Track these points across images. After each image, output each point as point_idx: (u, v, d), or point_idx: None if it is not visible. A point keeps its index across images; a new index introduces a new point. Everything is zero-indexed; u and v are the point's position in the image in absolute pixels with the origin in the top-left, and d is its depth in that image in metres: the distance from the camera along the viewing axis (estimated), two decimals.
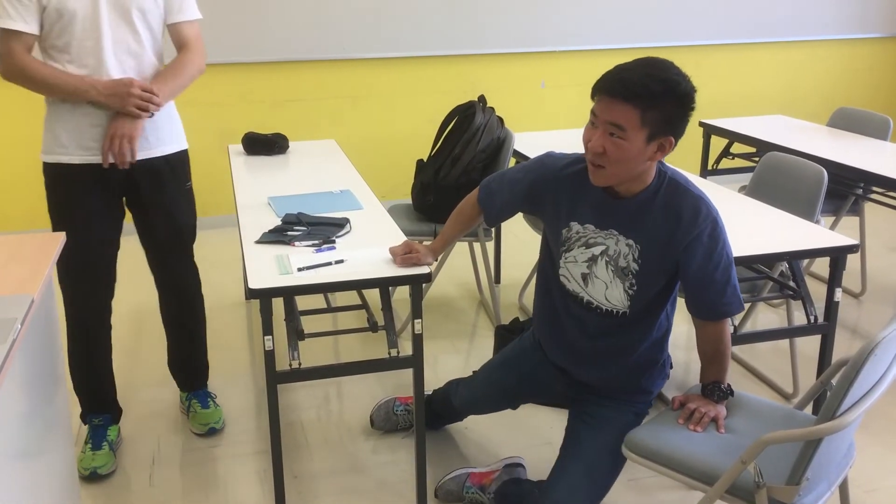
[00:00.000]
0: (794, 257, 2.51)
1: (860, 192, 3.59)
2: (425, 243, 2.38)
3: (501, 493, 2.38)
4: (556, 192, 2.09)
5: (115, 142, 2.37)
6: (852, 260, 3.87)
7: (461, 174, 3.42)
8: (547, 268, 2.20)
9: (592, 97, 1.90)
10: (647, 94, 1.81)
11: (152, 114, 2.42)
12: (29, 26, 2.31)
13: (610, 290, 2.05)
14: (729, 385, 2.04)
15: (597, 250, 2.04)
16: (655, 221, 1.96)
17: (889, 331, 1.62)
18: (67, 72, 2.35)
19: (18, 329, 1.48)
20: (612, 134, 1.85)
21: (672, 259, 1.97)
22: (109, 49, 2.37)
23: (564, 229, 2.09)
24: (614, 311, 2.07)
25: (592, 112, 1.90)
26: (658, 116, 1.83)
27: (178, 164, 2.60)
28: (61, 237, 2.01)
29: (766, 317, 3.67)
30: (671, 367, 2.24)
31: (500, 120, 3.55)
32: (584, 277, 2.08)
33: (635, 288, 2.02)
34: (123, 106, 2.36)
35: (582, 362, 2.20)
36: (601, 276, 2.06)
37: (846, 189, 3.59)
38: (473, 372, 2.59)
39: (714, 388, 2.03)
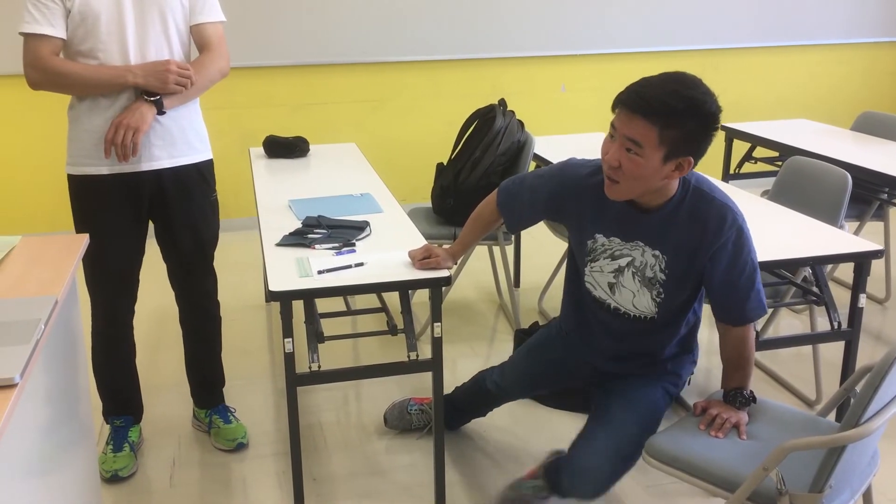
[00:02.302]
0: (817, 262, 2.49)
1: (885, 196, 3.54)
2: (445, 247, 2.38)
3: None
4: (578, 202, 2.06)
5: (119, 131, 2.30)
6: (877, 265, 3.83)
7: (481, 177, 3.42)
8: (573, 272, 2.20)
9: (613, 109, 1.86)
10: (667, 112, 1.76)
11: (164, 110, 2.37)
12: (56, 30, 2.30)
13: (637, 298, 2.05)
14: (752, 392, 2.03)
15: (623, 262, 2.04)
16: (681, 231, 1.94)
17: None
18: (100, 65, 2.33)
19: (42, 329, 1.49)
20: (628, 149, 1.82)
21: (699, 266, 1.96)
22: (135, 52, 2.36)
23: (590, 241, 2.08)
24: (642, 316, 2.08)
25: (612, 124, 1.87)
26: (677, 135, 1.78)
27: (206, 172, 2.59)
28: (84, 239, 2.02)
29: (788, 322, 3.64)
30: (698, 356, 2.24)
31: (521, 123, 3.55)
32: (611, 286, 2.08)
33: (663, 296, 2.03)
34: (164, 84, 2.33)
35: (609, 359, 2.21)
36: (628, 286, 2.05)
37: (870, 194, 3.54)
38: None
39: (736, 394, 2.01)
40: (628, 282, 2.04)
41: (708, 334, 3.14)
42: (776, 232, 2.61)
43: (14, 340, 1.43)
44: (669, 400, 2.13)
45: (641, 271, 2.01)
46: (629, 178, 1.85)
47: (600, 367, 2.23)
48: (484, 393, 2.57)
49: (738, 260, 1.93)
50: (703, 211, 1.92)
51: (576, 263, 2.17)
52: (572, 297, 2.24)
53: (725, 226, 1.90)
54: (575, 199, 2.07)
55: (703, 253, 1.93)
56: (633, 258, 2.02)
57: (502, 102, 3.57)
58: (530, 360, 2.44)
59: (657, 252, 1.98)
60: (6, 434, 1.24)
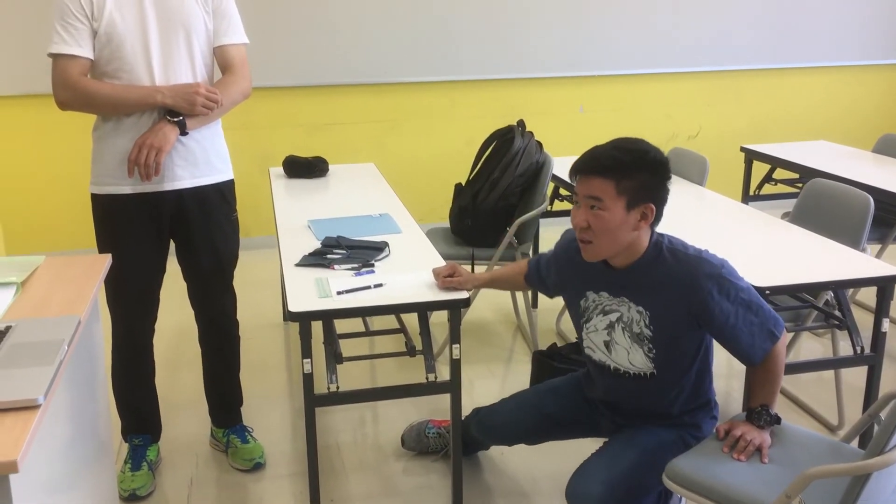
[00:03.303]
0: (839, 286, 2.47)
1: None
2: (464, 267, 2.39)
3: None
4: (570, 267, 2.17)
5: (142, 151, 2.33)
6: None
7: (499, 199, 3.43)
8: (578, 335, 2.24)
9: (571, 180, 2.01)
10: (617, 166, 1.92)
11: (186, 131, 2.40)
12: (84, 50, 2.33)
13: (632, 354, 2.09)
14: (777, 413, 2.01)
15: (613, 317, 2.09)
16: (659, 288, 1.99)
17: None
18: (128, 84, 2.36)
19: (66, 350, 1.51)
20: (592, 207, 1.95)
21: (687, 321, 1.99)
22: (160, 73, 2.38)
23: (582, 300, 2.15)
24: (641, 374, 2.10)
25: (574, 193, 2.00)
26: (632, 185, 1.92)
27: (227, 193, 2.61)
28: (107, 259, 2.04)
29: (810, 346, 3.60)
30: (717, 410, 2.22)
31: (539, 144, 3.55)
32: (607, 345, 2.12)
33: (654, 351, 2.05)
34: (192, 106, 2.36)
35: (625, 416, 2.22)
36: (621, 343, 2.09)
37: (893, 217, 3.52)
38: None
39: (762, 411, 1.98)
40: (620, 338, 2.09)
41: (726, 357, 3.12)
42: (797, 255, 2.59)
43: (38, 361, 1.44)
44: (683, 447, 2.09)
45: (629, 327, 2.06)
46: (599, 233, 1.96)
47: (619, 422, 2.24)
48: (471, 439, 2.57)
49: (729, 306, 1.94)
50: (677, 267, 1.97)
51: (578, 334, 2.23)
52: (585, 362, 2.29)
53: (702, 277, 1.93)
54: (568, 265, 2.18)
55: (686, 308, 1.96)
56: (622, 313, 2.07)
57: (521, 123, 3.57)
58: (551, 399, 2.39)
59: (640, 308, 2.03)
60: (29, 453, 1.24)
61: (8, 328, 1.59)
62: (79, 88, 2.34)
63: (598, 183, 1.93)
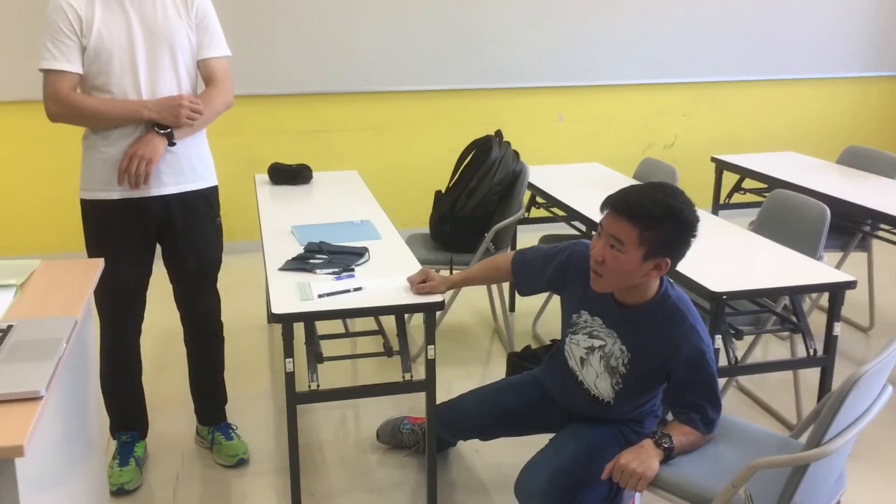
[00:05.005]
0: (793, 292, 2.61)
1: (867, 229, 3.67)
2: (443, 273, 2.51)
3: None
4: (577, 279, 2.21)
5: (133, 161, 2.45)
6: (860, 295, 3.96)
7: (477, 206, 3.55)
8: (562, 335, 2.34)
9: (601, 210, 2.04)
10: (647, 216, 1.94)
11: (174, 142, 2.51)
12: (73, 66, 2.43)
13: (600, 380, 2.21)
14: (675, 450, 2.02)
15: (596, 343, 2.20)
16: (648, 338, 2.09)
17: (872, 365, 1.72)
18: (115, 99, 2.47)
19: (64, 347, 1.62)
20: (612, 246, 1.99)
21: (661, 374, 2.11)
22: (146, 86, 2.49)
23: (575, 314, 2.25)
24: (600, 398, 2.24)
25: (600, 223, 2.04)
26: (656, 238, 1.95)
27: (211, 198, 2.72)
28: (100, 263, 2.15)
29: (775, 349, 3.75)
30: (661, 410, 2.34)
31: (516, 154, 3.68)
32: (582, 361, 2.25)
33: (621, 385, 2.18)
34: (177, 118, 2.47)
35: (572, 413, 2.35)
36: (594, 366, 2.21)
37: (854, 226, 3.67)
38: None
39: (667, 438, 2.02)
40: (595, 362, 2.21)
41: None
42: (757, 262, 2.73)
43: (39, 357, 1.56)
44: (624, 442, 2.20)
45: (608, 358, 2.17)
46: (611, 272, 2.01)
47: (565, 419, 2.37)
48: (439, 436, 2.65)
49: (693, 378, 2.05)
50: (671, 328, 2.06)
51: (564, 330, 2.33)
52: (557, 355, 2.39)
53: (688, 347, 2.03)
54: (575, 276, 2.23)
55: (664, 364, 2.08)
56: (606, 344, 2.18)
57: (498, 133, 3.70)
58: (508, 394, 2.50)
59: (624, 347, 2.14)
60: (32, 441, 1.36)
61: (10, 327, 1.70)
62: (68, 102, 2.44)
63: (625, 226, 1.95)
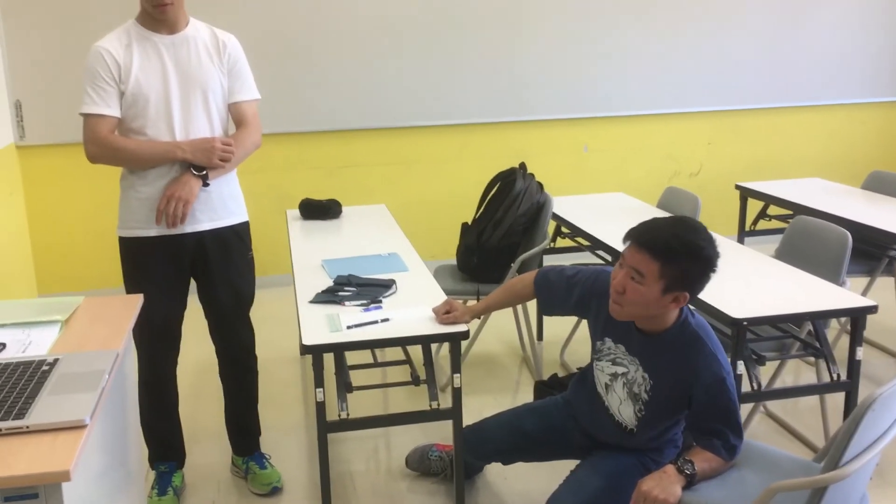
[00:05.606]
0: (814, 318, 2.63)
1: (894, 253, 3.68)
2: (469, 303, 2.57)
3: None
4: (600, 306, 2.27)
5: (171, 203, 2.57)
6: (890, 319, 3.95)
7: (503, 237, 3.62)
8: (591, 358, 2.39)
9: (624, 241, 2.10)
10: (668, 251, 2.00)
11: (207, 183, 2.62)
12: (112, 110, 2.56)
13: (623, 406, 2.26)
14: (697, 476, 2.05)
15: (619, 370, 2.25)
16: (669, 364, 2.14)
17: (887, 387, 1.75)
18: (151, 140, 2.59)
19: (106, 379, 1.71)
20: (633, 277, 2.04)
21: (683, 401, 2.15)
22: (180, 129, 2.61)
23: (599, 341, 2.31)
24: (623, 424, 2.28)
25: (622, 254, 2.10)
26: (676, 273, 2.00)
27: (243, 233, 2.82)
28: (139, 299, 2.26)
29: (806, 374, 3.75)
30: (681, 440, 2.37)
31: (540, 185, 3.76)
32: (606, 387, 2.31)
33: (644, 413, 2.22)
34: (210, 159, 2.59)
35: (594, 439, 2.39)
36: (618, 392, 2.27)
37: (880, 251, 3.68)
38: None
39: (689, 464, 2.05)
40: (619, 389, 2.26)
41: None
42: (778, 289, 2.76)
43: (83, 388, 1.65)
44: (644, 471, 2.21)
45: (631, 385, 2.23)
46: (629, 303, 2.07)
47: (588, 444, 2.40)
48: (466, 462, 2.69)
49: (714, 404, 2.09)
50: (693, 355, 2.10)
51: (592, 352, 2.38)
52: (586, 375, 2.43)
53: (708, 373, 2.07)
54: (599, 303, 2.29)
55: (686, 391, 2.12)
56: (629, 371, 2.23)
57: (522, 166, 3.78)
58: (531, 419, 2.55)
59: (646, 374, 2.19)
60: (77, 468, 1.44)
61: (56, 360, 1.80)
62: (107, 145, 2.57)
63: (646, 260, 2.01)
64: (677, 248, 1.99)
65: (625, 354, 2.23)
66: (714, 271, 2.04)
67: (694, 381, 2.09)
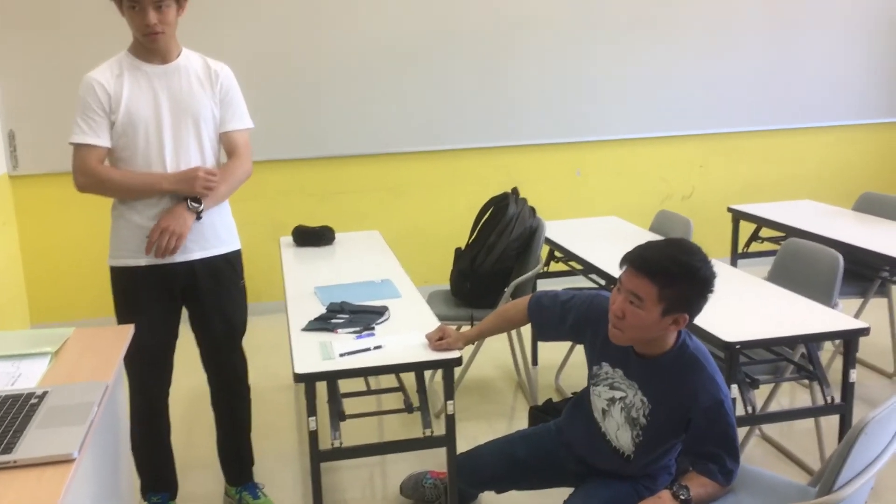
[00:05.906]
0: (806, 340, 2.63)
1: (886, 275, 3.68)
2: (463, 328, 2.57)
3: None
4: (596, 331, 2.27)
5: (164, 235, 2.57)
6: (884, 339, 3.95)
7: (496, 262, 3.63)
8: (588, 382, 2.38)
9: (621, 266, 2.09)
10: (665, 274, 2.00)
11: (200, 216, 2.63)
12: (101, 140, 2.57)
13: (620, 431, 2.25)
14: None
15: (617, 395, 2.24)
16: (668, 387, 2.13)
17: (879, 411, 1.75)
18: (138, 172, 2.59)
19: (95, 411, 1.70)
20: (632, 302, 2.04)
21: (681, 425, 2.14)
22: (171, 158, 2.61)
23: (596, 366, 2.30)
24: (620, 451, 2.27)
25: (619, 279, 2.10)
26: (675, 295, 2.01)
27: (235, 262, 2.82)
28: (129, 329, 2.25)
29: (801, 396, 3.74)
30: (674, 467, 2.35)
31: (532, 210, 3.77)
32: (603, 412, 2.29)
33: (641, 438, 2.21)
34: (192, 189, 2.59)
35: (588, 465, 2.37)
36: (615, 417, 2.26)
37: (872, 272, 3.69)
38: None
39: (684, 490, 2.04)
40: (616, 413, 2.25)
41: None
42: (771, 311, 2.77)
43: (72, 421, 1.64)
44: (637, 498, 2.19)
45: (629, 409, 2.21)
46: (629, 327, 2.07)
47: (581, 471, 2.38)
48: (460, 490, 2.66)
49: (712, 428, 2.08)
50: (691, 378, 2.10)
51: (588, 377, 2.37)
52: (582, 400, 2.42)
53: (706, 396, 2.07)
54: (594, 327, 2.29)
55: (684, 414, 2.11)
56: (627, 395, 2.22)
57: (515, 191, 3.80)
58: (522, 445, 2.53)
59: (644, 398, 2.18)
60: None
61: (45, 393, 1.79)
62: (95, 175, 2.58)
63: (644, 284, 2.01)
64: (674, 270, 2.00)
65: (623, 378, 2.22)
66: (712, 291, 2.04)
67: (692, 405, 2.08)
